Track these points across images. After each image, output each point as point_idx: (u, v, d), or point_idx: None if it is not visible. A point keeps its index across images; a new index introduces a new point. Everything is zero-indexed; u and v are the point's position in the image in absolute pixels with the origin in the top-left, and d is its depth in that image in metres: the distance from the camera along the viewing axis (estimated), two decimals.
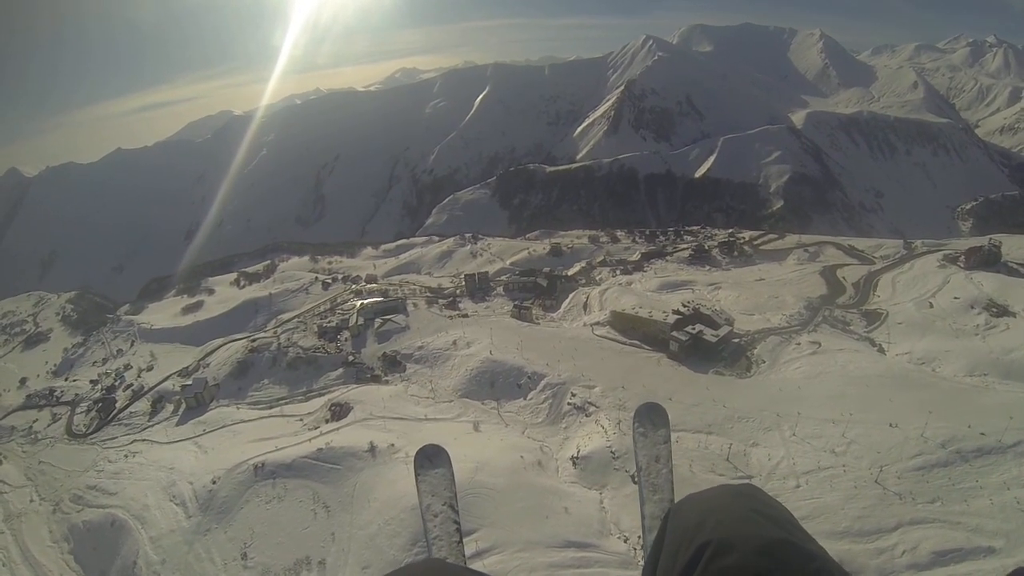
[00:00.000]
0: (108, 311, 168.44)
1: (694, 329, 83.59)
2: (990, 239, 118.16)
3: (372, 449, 61.60)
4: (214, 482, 62.54)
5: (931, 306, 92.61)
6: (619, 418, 63.56)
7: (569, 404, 71.05)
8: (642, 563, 4.17)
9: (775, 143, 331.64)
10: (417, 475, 6.15)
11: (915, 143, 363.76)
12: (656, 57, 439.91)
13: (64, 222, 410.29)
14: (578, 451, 60.26)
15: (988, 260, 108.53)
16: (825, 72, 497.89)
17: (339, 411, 76.30)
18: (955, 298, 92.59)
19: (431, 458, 6.28)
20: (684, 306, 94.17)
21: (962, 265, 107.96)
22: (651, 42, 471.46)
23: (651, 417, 6.45)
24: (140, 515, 63.00)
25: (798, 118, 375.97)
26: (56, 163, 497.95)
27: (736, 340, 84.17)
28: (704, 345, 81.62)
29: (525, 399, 75.49)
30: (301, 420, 78.55)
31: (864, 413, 60.15)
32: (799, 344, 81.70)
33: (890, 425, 57.15)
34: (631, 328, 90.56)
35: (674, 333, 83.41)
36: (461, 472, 55.55)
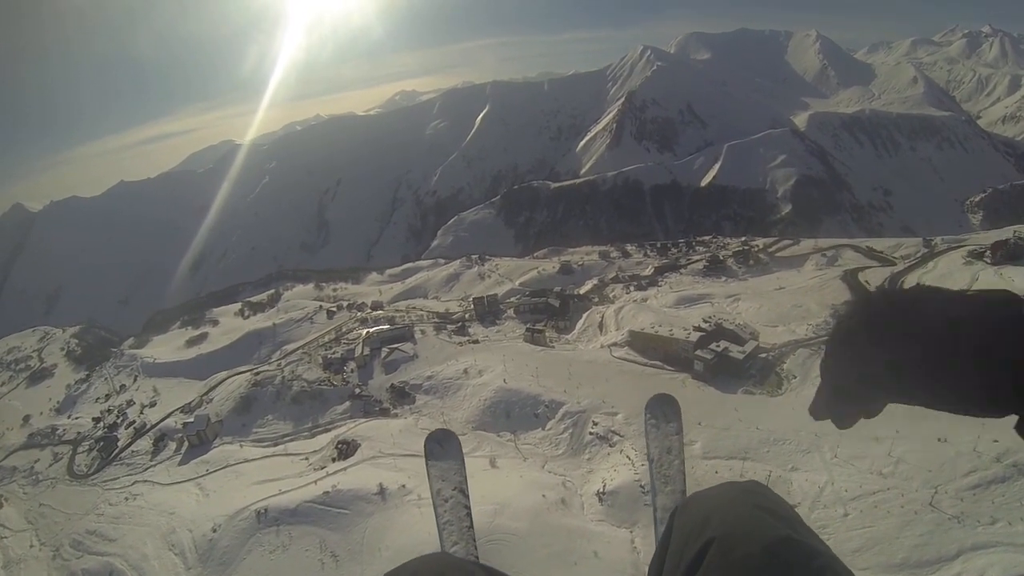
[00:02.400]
0: (113, 345, 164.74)
1: (719, 346, 79.10)
2: (1015, 231, 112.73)
3: (382, 491, 57.39)
4: (214, 530, 58.62)
5: None
6: (642, 447, 59.03)
7: (591, 434, 66.59)
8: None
9: (779, 147, 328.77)
10: (427, 460, 6.31)
11: (919, 138, 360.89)
12: (655, 67, 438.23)
13: (69, 256, 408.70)
14: (604, 486, 55.85)
15: (1015, 253, 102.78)
16: (824, 73, 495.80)
17: (346, 449, 72.07)
18: None
19: (441, 442, 6.49)
20: (705, 322, 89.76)
21: (988, 260, 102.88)
22: (649, 52, 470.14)
23: (663, 408, 6.61)
24: (138, 565, 59.95)
25: (800, 120, 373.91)
26: (60, 198, 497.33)
27: (763, 355, 79.66)
28: (730, 363, 77.14)
29: (543, 429, 71.01)
30: (306, 459, 74.37)
31: (909, 428, 55.24)
32: None
33: (938, 440, 52.50)
34: (651, 348, 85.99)
35: (698, 352, 78.87)
36: (480, 516, 51.23)
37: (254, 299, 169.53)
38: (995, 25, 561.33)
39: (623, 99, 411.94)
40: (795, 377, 74.27)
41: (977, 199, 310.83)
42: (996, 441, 50.15)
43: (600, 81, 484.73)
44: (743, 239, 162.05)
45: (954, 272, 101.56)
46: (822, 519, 46.45)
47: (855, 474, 51.50)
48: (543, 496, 54.52)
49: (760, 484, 3.88)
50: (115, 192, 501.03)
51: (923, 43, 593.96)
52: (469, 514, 5.99)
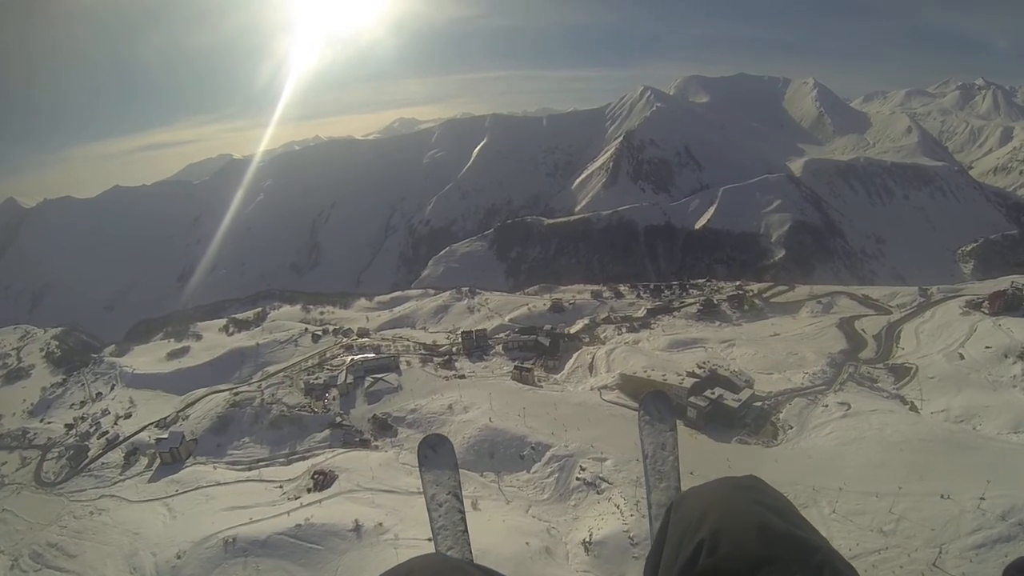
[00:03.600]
0: (94, 350, 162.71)
1: (713, 393, 77.30)
2: (1012, 282, 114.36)
3: (357, 528, 55.21)
4: (179, 556, 56.28)
5: (962, 357, 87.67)
6: (636, 496, 56.74)
7: (578, 479, 64.37)
8: None
9: (775, 192, 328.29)
10: (421, 465, 6.42)
11: (912, 187, 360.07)
12: (654, 108, 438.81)
13: (58, 256, 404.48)
14: (591, 535, 53.75)
15: (1012, 304, 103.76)
16: (820, 120, 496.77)
17: (323, 480, 69.49)
18: (986, 347, 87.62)
19: (434, 448, 6.56)
20: (700, 367, 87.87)
21: (986, 311, 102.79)
22: (649, 93, 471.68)
23: (657, 406, 6.76)
24: None
25: (796, 166, 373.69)
26: (54, 196, 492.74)
27: (759, 404, 78.01)
28: (725, 411, 75.29)
29: (529, 472, 68.83)
30: (281, 487, 71.60)
31: (911, 484, 54.17)
32: (827, 406, 75.88)
33: (941, 496, 51.31)
34: (642, 392, 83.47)
35: (691, 399, 77.04)
36: None
37: (240, 316, 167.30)
38: (988, 78, 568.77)
39: (621, 138, 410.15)
40: (791, 427, 72.49)
41: (969, 248, 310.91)
42: (1000, 496, 49.13)
43: (599, 119, 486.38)
44: (738, 284, 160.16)
45: (952, 322, 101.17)
46: None
47: (855, 531, 50.07)
48: (527, 544, 52.24)
49: (757, 479, 3.89)
50: (110, 196, 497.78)
51: (917, 94, 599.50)
52: (463, 519, 6.12)
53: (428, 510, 6.13)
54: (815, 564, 3.03)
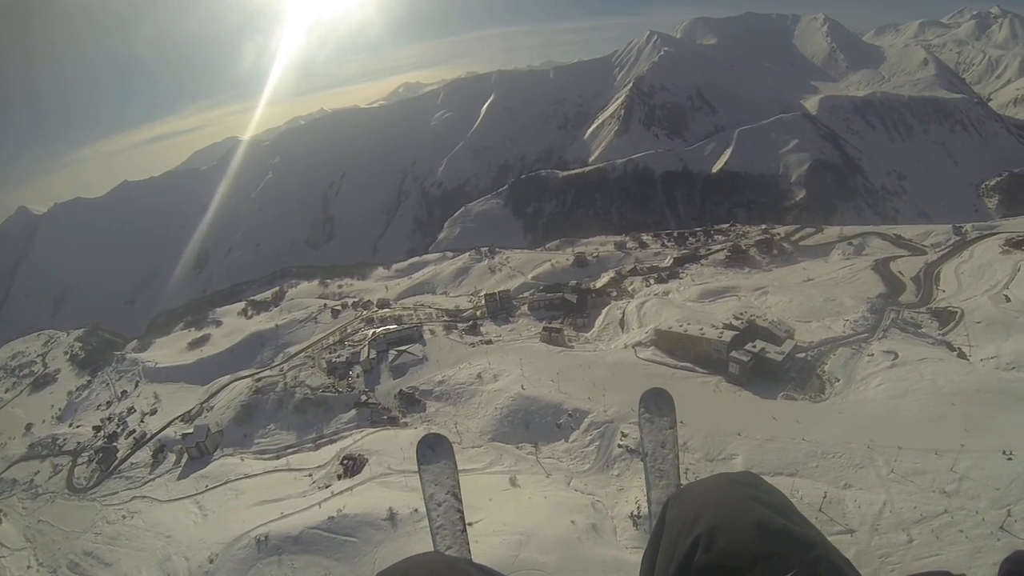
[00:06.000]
0: (117, 347, 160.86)
1: (755, 347, 73.49)
2: None
3: (392, 516, 52.46)
4: (211, 561, 54.01)
5: (1008, 299, 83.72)
6: (685, 463, 53.15)
7: (620, 446, 61.25)
8: None
9: (791, 131, 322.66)
10: (420, 465, 6.53)
11: (932, 121, 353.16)
12: (662, 52, 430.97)
13: (74, 258, 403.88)
14: (638, 507, 50.40)
15: None
16: (832, 56, 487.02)
17: (352, 465, 66.97)
18: None
19: (433, 447, 6.66)
20: (737, 318, 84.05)
21: None
22: (656, 38, 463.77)
23: (657, 403, 6.84)
24: None
25: (811, 104, 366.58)
26: (64, 200, 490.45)
27: (802, 355, 74.14)
28: (768, 365, 71.58)
29: (567, 441, 65.75)
30: (310, 475, 69.49)
31: (970, 439, 50.66)
32: (873, 355, 71.84)
33: (1004, 454, 47.80)
34: (680, 348, 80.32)
35: (732, 353, 73.27)
36: (504, 549, 43.99)
37: (258, 298, 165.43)
38: (1004, 6, 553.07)
39: (630, 85, 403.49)
40: (838, 380, 68.80)
41: (993, 183, 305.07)
42: None
43: (606, 68, 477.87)
44: (764, 227, 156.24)
45: (992, 262, 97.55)
46: (883, 547, 42.19)
47: (915, 492, 46.81)
48: (572, 522, 49.27)
49: (753, 475, 4.00)
50: (119, 192, 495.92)
51: (931, 25, 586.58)
52: (463, 518, 6.20)
53: (427, 509, 6.16)
54: (811, 559, 3.05)
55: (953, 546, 40.68)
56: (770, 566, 3.03)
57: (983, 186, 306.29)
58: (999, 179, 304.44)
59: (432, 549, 5.86)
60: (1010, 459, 47.26)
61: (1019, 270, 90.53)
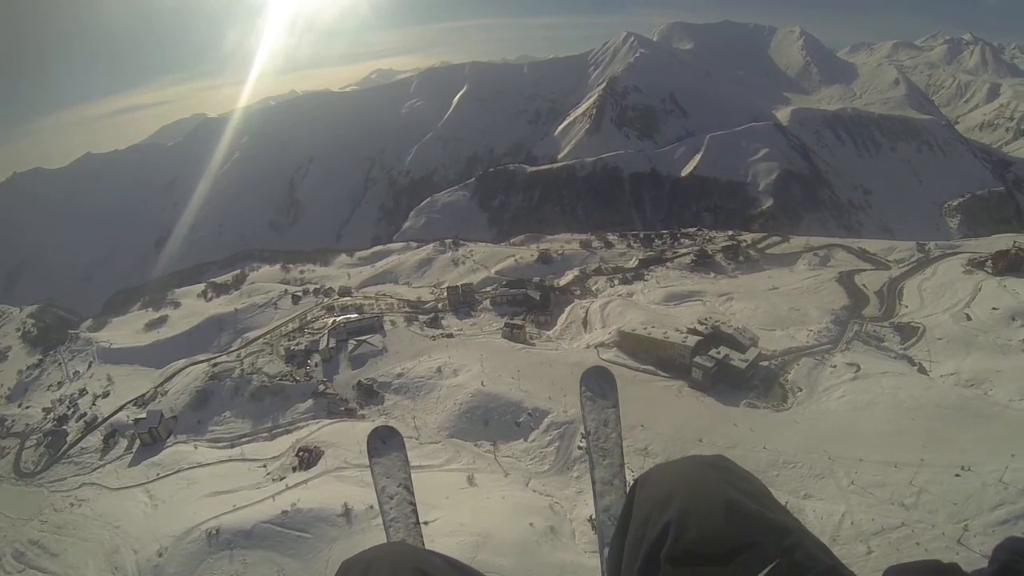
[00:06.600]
0: (72, 325, 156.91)
1: (719, 353, 73.45)
2: (1014, 242, 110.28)
3: (347, 512, 51.62)
4: (160, 554, 52.64)
5: (968, 318, 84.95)
6: (643, 466, 52.18)
7: (580, 448, 60.67)
8: None
9: (762, 140, 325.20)
10: (371, 458, 6.40)
11: (899, 139, 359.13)
12: (638, 54, 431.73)
13: (32, 231, 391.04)
14: None
15: (1015, 265, 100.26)
16: (807, 69, 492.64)
17: (308, 457, 65.64)
18: (993, 308, 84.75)
19: (384, 439, 6.52)
20: (701, 324, 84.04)
21: (989, 270, 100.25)
22: (632, 39, 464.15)
23: (599, 382, 6.71)
24: None
25: (783, 115, 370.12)
26: (23, 169, 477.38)
27: (765, 364, 74.39)
28: (731, 372, 71.62)
29: (526, 440, 65.21)
30: (264, 466, 68.04)
31: (929, 454, 51.57)
32: (835, 367, 72.54)
33: (962, 468, 48.81)
34: (643, 351, 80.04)
35: (696, 359, 73.19)
36: (460, 550, 43.05)
37: (219, 280, 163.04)
38: (976, 34, 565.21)
39: (604, 84, 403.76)
40: (800, 390, 69.23)
41: (955, 203, 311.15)
42: (1021, 469, 47.35)
43: (581, 66, 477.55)
44: (730, 233, 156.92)
45: (955, 281, 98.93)
46: (843, 557, 37.98)
47: (875, 504, 47.76)
48: (531, 524, 48.80)
49: (726, 459, 3.78)
50: (82, 164, 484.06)
51: (904, 46, 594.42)
52: (415, 510, 6.08)
53: (379, 502, 6.08)
54: (786, 546, 2.95)
55: (911, 559, 40.02)
56: (751, 555, 2.90)
57: (946, 206, 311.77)
58: (962, 200, 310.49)
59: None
60: (968, 472, 48.41)
61: (980, 290, 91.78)
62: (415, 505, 6.02)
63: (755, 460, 53.77)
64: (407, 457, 6.37)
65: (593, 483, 5.94)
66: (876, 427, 57.88)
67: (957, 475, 48.49)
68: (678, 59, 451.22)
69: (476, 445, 66.64)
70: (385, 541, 5.56)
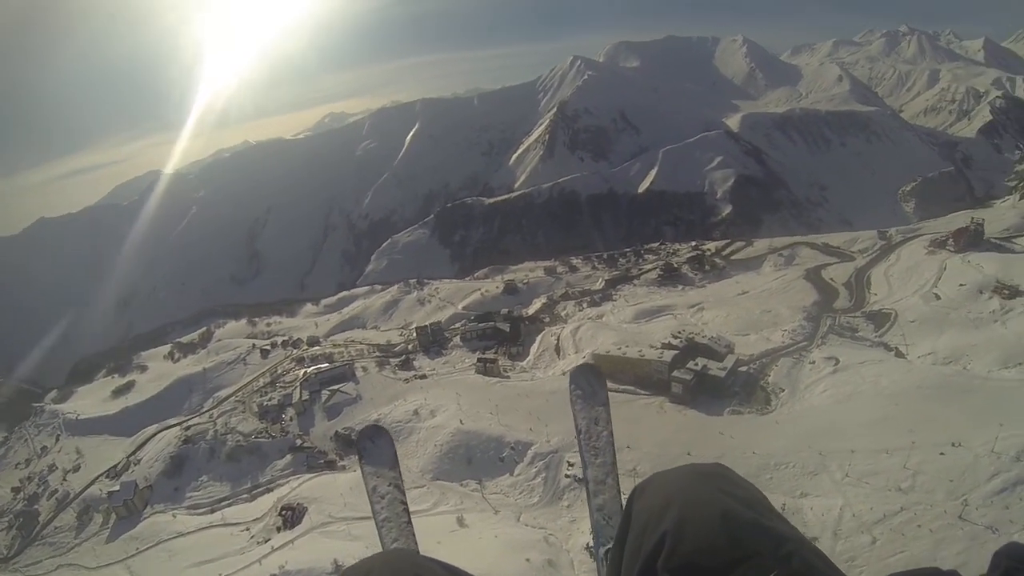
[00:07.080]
0: (36, 398, 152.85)
1: (696, 364, 73.41)
2: (972, 218, 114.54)
3: (337, 570, 50.57)
4: None
5: (938, 297, 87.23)
6: (633, 486, 51.94)
7: (568, 476, 60.08)
8: None
9: (715, 149, 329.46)
10: (360, 458, 6.36)
11: (848, 134, 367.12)
12: (586, 76, 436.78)
13: None
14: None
15: (975, 240, 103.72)
16: (752, 76, 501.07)
17: (291, 516, 63.97)
18: (960, 285, 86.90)
19: (373, 439, 6.44)
20: (675, 337, 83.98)
21: (951, 248, 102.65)
22: (579, 62, 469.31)
23: (588, 379, 6.80)
24: None
25: (733, 122, 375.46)
26: None
27: (744, 369, 74.36)
28: (711, 381, 71.51)
29: (512, 475, 64.22)
30: (247, 529, 66.36)
31: (919, 435, 51.71)
32: (814, 363, 73.65)
33: (952, 445, 49.37)
34: (619, 371, 79.12)
35: (674, 373, 72.96)
36: None
37: (184, 339, 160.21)
38: (911, 25, 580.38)
39: (555, 110, 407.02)
40: (783, 390, 69.65)
41: (909, 188, 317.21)
42: (1010, 436, 47.92)
43: (530, 93, 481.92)
44: (694, 244, 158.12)
45: (920, 263, 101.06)
46: (848, 551, 42.68)
47: (872, 493, 47.93)
48: (527, 560, 48.04)
49: (723, 467, 3.79)
50: (35, 230, 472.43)
51: (844, 44, 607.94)
52: (407, 510, 6.04)
53: (370, 503, 6.04)
54: (785, 555, 2.90)
55: (916, 541, 41.55)
56: (750, 568, 2.84)
57: (901, 192, 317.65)
58: (914, 184, 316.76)
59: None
60: (958, 447, 49.06)
61: (945, 268, 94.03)
62: (407, 504, 5.99)
63: (746, 466, 53.28)
64: (396, 455, 6.29)
65: (586, 482, 6.02)
66: (862, 417, 58.35)
67: (942, 453, 49.02)
68: (625, 78, 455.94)
69: (462, 485, 65.64)
70: (378, 540, 5.85)
